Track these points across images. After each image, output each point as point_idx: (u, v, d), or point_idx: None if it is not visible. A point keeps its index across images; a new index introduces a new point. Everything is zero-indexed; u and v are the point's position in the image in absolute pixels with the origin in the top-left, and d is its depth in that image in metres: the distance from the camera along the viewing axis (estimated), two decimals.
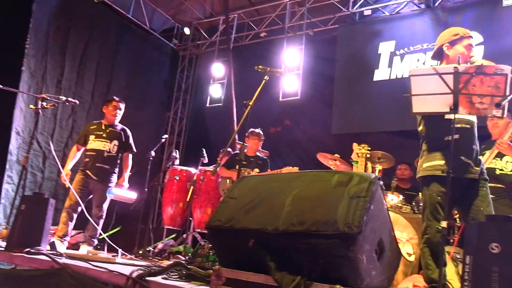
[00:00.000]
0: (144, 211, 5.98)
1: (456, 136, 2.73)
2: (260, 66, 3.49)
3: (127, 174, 5.13)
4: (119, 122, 5.29)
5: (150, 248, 5.09)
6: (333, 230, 1.84)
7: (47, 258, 2.62)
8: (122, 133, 5.15)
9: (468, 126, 2.81)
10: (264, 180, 2.35)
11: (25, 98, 6.53)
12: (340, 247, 1.82)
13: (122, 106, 5.21)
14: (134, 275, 2.18)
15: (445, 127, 2.69)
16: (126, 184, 5.04)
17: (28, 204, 3.20)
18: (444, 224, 2.24)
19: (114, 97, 5.27)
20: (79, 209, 4.64)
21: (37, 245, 2.86)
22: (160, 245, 5.26)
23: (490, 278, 1.48)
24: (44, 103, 4.15)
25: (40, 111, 4.22)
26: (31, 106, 4.22)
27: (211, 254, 2.59)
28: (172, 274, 2.28)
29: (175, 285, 2.14)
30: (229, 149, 5.40)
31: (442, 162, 2.72)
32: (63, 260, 2.60)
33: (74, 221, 4.79)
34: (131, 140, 5.23)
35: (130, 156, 5.22)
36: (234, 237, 2.12)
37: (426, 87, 2.39)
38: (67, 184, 4.72)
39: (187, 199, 5.67)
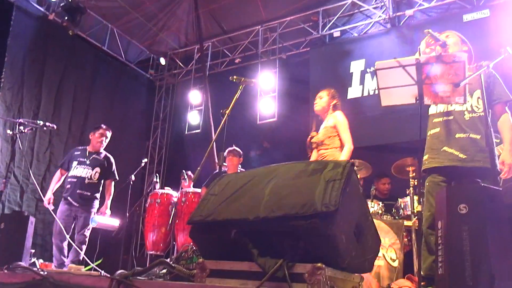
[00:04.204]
0: (125, 240, 5.93)
1: (437, 130, 2.96)
2: (235, 77, 3.61)
3: (109, 202, 5.17)
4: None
5: None
6: (312, 211, 1.90)
7: (29, 272, 2.58)
8: (105, 160, 5.24)
9: (450, 117, 2.95)
10: (243, 176, 2.41)
11: (1, 132, 6.48)
12: (319, 226, 1.87)
13: (109, 134, 5.34)
14: (118, 276, 2.17)
15: (430, 123, 2.99)
16: (108, 211, 5.09)
17: (8, 223, 3.17)
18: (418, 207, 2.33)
19: (102, 125, 5.42)
20: (66, 237, 4.67)
21: (17, 262, 2.82)
22: None
23: (461, 237, 1.55)
24: (22, 128, 4.16)
25: (18, 137, 4.23)
26: (9, 131, 4.21)
27: (195, 256, 2.60)
28: (157, 273, 2.28)
29: (160, 282, 2.15)
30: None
31: (427, 156, 2.96)
32: (45, 273, 2.56)
33: (65, 250, 4.83)
34: (114, 168, 5.30)
35: (113, 183, 5.28)
36: (216, 229, 2.16)
37: (392, 80, 2.52)
38: (50, 206, 4.80)
39: (170, 223, 5.65)
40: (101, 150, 5.29)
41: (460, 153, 2.85)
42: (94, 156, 5.18)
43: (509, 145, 2.77)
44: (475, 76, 2.55)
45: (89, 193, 5.03)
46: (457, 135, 2.89)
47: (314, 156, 4.17)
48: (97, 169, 5.11)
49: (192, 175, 5.89)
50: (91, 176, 5.06)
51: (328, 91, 4.32)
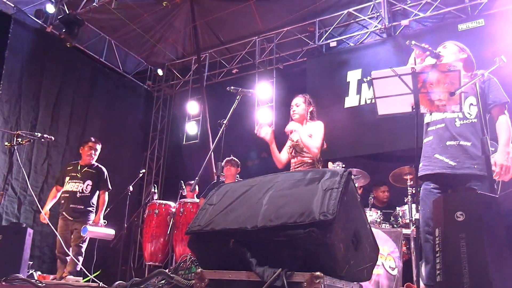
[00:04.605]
0: (124, 250, 5.91)
1: (430, 138, 3.03)
2: (232, 87, 3.63)
3: (102, 212, 5.17)
4: (96, 162, 5.41)
5: None
6: (310, 220, 1.90)
7: (27, 283, 2.57)
8: (96, 172, 5.28)
9: (442, 125, 3.00)
10: (241, 185, 2.41)
11: None
12: (317, 235, 1.87)
13: (98, 146, 5.37)
14: (117, 287, 2.17)
15: (424, 131, 3.06)
16: (102, 221, 5.09)
17: (6, 234, 3.16)
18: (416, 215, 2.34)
19: (91, 138, 5.48)
20: (68, 252, 4.76)
21: (15, 273, 2.81)
22: None
23: (458, 244, 1.56)
24: (20, 139, 4.16)
25: (16, 149, 4.24)
26: (7, 143, 4.22)
27: (193, 266, 2.60)
28: (155, 284, 2.28)
29: None
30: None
31: (421, 164, 3.00)
32: (43, 285, 2.56)
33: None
34: (106, 178, 5.32)
35: (106, 194, 5.29)
36: (214, 239, 2.15)
37: (388, 89, 2.55)
38: (46, 221, 4.77)
39: (168, 233, 5.63)
40: (93, 162, 5.36)
41: (450, 160, 2.89)
42: (85, 169, 5.26)
43: (503, 146, 2.78)
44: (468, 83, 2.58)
45: (82, 207, 5.11)
46: (448, 143, 2.93)
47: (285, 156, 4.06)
48: (88, 182, 5.19)
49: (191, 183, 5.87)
50: (82, 189, 5.14)
51: (304, 97, 4.18)
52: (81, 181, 5.17)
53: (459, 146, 2.89)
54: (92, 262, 5.10)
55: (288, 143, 4.12)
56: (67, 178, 5.21)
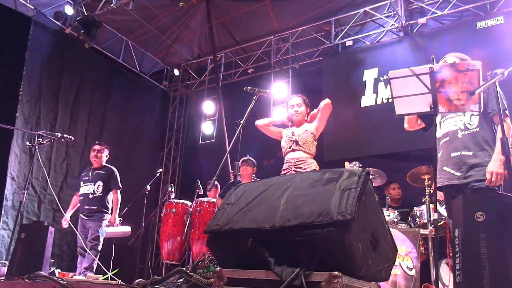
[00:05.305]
0: (141, 249, 5.99)
1: (440, 152, 3.14)
2: (249, 87, 3.65)
3: (116, 212, 5.32)
4: (109, 164, 5.63)
5: None
6: (328, 219, 1.91)
7: (49, 281, 2.63)
8: (105, 172, 5.46)
9: (447, 138, 3.12)
10: (259, 185, 2.43)
11: (20, 144, 6.62)
12: (335, 235, 1.88)
13: (101, 147, 5.56)
14: (136, 285, 2.21)
15: (436, 147, 3.08)
16: (117, 220, 5.22)
17: (28, 233, 3.23)
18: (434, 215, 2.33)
19: (95, 142, 5.78)
20: (87, 249, 4.98)
21: (37, 271, 2.87)
22: None
23: (479, 244, 1.55)
24: (41, 140, 4.25)
25: (37, 148, 4.34)
26: (28, 143, 4.32)
27: (212, 265, 2.62)
28: (174, 282, 2.31)
29: None
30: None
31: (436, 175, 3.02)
32: (65, 282, 2.61)
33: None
34: (116, 177, 5.47)
35: (118, 192, 5.41)
36: (233, 238, 2.17)
37: (406, 89, 2.53)
38: (67, 225, 5.25)
39: (185, 232, 5.68)
40: (104, 164, 5.56)
41: (456, 171, 3.00)
42: (96, 171, 5.47)
43: (496, 154, 2.80)
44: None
45: (95, 207, 5.30)
46: (452, 154, 3.05)
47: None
48: (99, 183, 5.37)
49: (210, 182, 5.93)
50: (93, 190, 5.34)
51: (302, 98, 4.20)
52: (92, 183, 5.38)
53: (461, 156, 3.00)
54: (110, 260, 5.20)
55: (287, 134, 4.08)
56: (82, 183, 5.48)
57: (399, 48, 7.18)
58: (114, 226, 5.17)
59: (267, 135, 4.34)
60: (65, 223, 5.31)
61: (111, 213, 5.31)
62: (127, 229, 5.19)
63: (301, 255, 1.98)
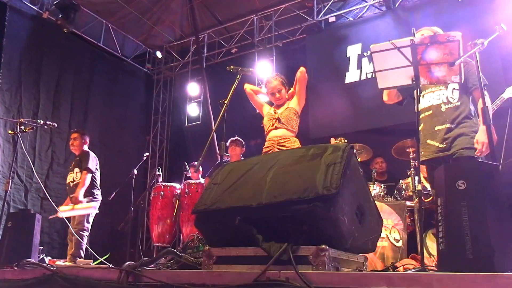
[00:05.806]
0: (132, 233, 6.00)
1: (422, 125, 3.21)
2: (232, 67, 3.63)
3: (80, 189, 5.06)
4: (96, 150, 5.67)
5: None
6: (313, 194, 1.93)
7: (38, 267, 2.63)
8: (80, 157, 5.41)
9: (429, 112, 3.20)
10: (244, 164, 2.44)
11: (2, 133, 6.52)
12: (321, 209, 1.91)
13: (77, 134, 5.50)
14: (126, 268, 2.21)
15: (417, 120, 3.06)
16: (80, 198, 5.03)
17: (15, 221, 3.21)
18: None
19: (72, 129, 5.87)
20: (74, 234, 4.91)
21: (27, 258, 2.87)
22: None
23: (460, 212, 1.59)
24: (23, 127, 4.19)
25: (19, 137, 4.27)
26: (10, 131, 4.25)
27: (201, 245, 2.65)
28: (164, 263, 2.33)
29: (168, 272, 2.19)
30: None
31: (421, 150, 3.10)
32: (55, 268, 2.61)
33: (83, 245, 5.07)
34: (86, 159, 5.32)
35: (86, 173, 5.19)
36: (220, 217, 2.19)
37: (387, 62, 2.54)
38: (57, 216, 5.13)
39: (174, 214, 5.70)
40: (85, 149, 5.46)
41: (440, 143, 3.07)
42: (76, 159, 5.46)
43: (483, 125, 2.84)
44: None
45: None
46: (436, 128, 3.13)
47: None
48: (76, 169, 5.32)
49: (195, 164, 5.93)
50: (73, 178, 5.30)
51: (280, 81, 4.18)
52: (71, 171, 5.36)
53: (446, 129, 3.07)
54: (101, 246, 5.19)
55: (270, 113, 4.10)
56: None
57: (382, 22, 7.16)
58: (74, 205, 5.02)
59: (250, 101, 4.35)
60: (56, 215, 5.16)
61: (92, 196, 5.23)
62: (91, 204, 5.07)
63: (289, 230, 2.01)
